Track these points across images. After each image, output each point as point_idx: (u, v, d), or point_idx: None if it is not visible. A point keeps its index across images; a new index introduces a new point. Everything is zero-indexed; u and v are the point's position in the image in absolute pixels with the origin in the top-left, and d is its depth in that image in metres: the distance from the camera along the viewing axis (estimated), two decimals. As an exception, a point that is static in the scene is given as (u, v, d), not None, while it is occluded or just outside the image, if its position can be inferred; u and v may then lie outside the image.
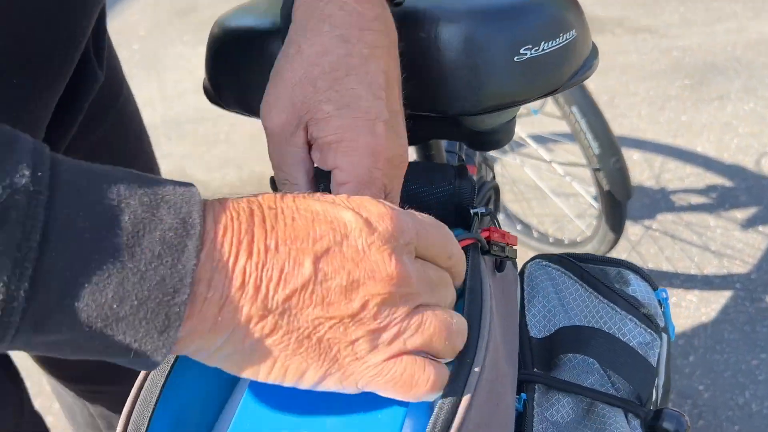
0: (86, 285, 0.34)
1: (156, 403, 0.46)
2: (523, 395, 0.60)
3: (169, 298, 0.36)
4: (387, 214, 0.42)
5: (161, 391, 0.47)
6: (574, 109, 1.61)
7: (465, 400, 0.43)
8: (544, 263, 0.70)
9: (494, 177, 1.35)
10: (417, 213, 0.46)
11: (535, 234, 2.11)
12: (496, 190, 1.18)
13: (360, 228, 0.40)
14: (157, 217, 0.36)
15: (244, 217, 0.39)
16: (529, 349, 0.64)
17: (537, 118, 1.94)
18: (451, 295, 0.47)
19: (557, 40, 0.60)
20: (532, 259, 0.71)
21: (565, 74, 0.62)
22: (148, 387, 0.47)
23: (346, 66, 0.52)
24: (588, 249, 1.94)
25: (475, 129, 0.67)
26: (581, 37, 0.63)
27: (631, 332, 0.64)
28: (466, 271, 0.52)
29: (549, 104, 1.82)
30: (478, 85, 0.60)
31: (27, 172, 0.33)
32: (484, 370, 0.46)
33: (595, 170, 1.69)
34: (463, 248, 0.51)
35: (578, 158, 1.82)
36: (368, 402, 0.48)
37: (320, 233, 0.40)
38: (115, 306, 0.35)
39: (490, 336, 0.48)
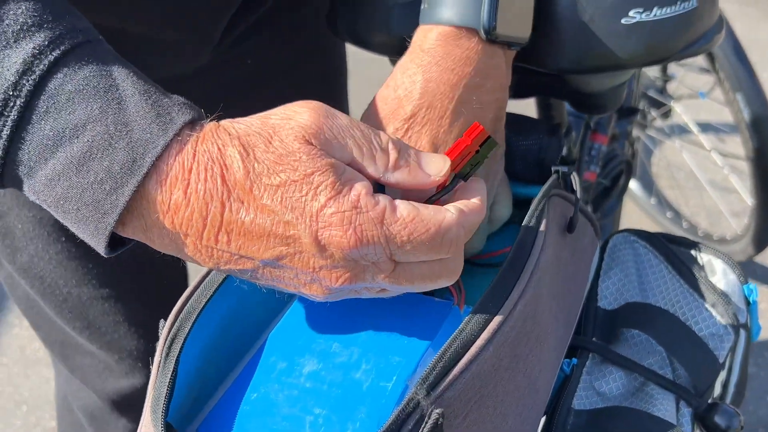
0: (42, 178, 0.43)
1: (203, 308, 0.50)
2: (574, 360, 0.60)
3: (100, 216, 0.43)
4: (348, 245, 0.43)
5: (210, 298, 0.50)
6: (739, 96, 1.51)
7: (479, 342, 0.45)
8: (632, 238, 0.68)
9: (634, 154, 1.30)
10: (405, 214, 0.44)
11: (685, 224, 2.01)
12: (628, 165, 1.15)
13: (312, 253, 0.43)
14: (113, 147, 0.42)
15: (202, 181, 0.43)
16: (593, 318, 0.63)
17: (705, 102, 1.84)
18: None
19: (673, 7, 0.57)
20: (621, 231, 0.69)
21: (678, 45, 0.59)
22: (196, 297, 0.50)
23: None
24: (736, 249, 1.83)
25: (579, 89, 0.66)
26: (703, 8, 0.60)
27: (705, 321, 0.62)
28: (523, 224, 0.53)
29: (717, 89, 1.71)
30: (581, 42, 0.58)
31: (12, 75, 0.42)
32: (509, 319, 0.47)
33: (753, 165, 1.58)
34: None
35: (741, 150, 1.71)
36: (398, 326, 0.50)
37: (271, 245, 0.43)
38: (62, 202, 0.43)
39: (527, 290, 0.49)
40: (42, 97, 0.42)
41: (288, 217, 0.43)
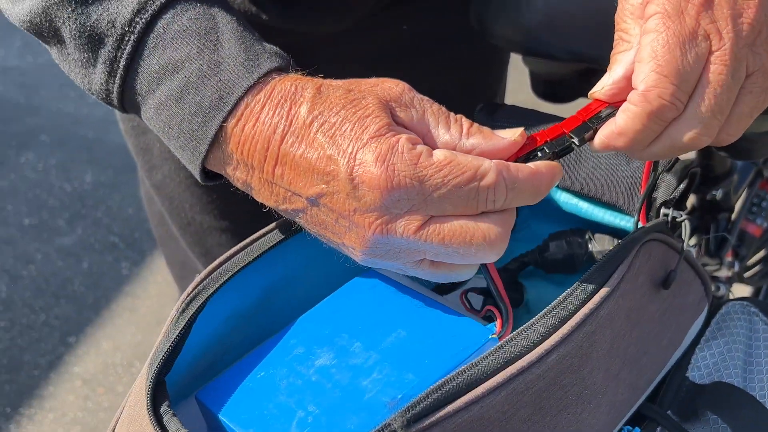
0: (152, 106, 0.48)
1: (236, 273, 0.48)
2: (636, 429, 0.52)
3: (194, 145, 0.47)
4: (379, 184, 0.42)
5: (247, 264, 0.49)
6: None
7: (490, 382, 0.39)
8: (753, 309, 0.59)
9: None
10: (452, 166, 0.42)
11: None
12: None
13: (347, 192, 0.43)
14: (205, 84, 0.46)
15: (270, 115, 0.45)
16: (676, 389, 0.55)
17: None
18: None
19: None
20: (741, 299, 0.60)
21: None
22: (233, 261, 0.49)
23: None
24: None
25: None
26: None
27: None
28: (596, 264, 0.46)
29: None
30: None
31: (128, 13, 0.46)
32: (537, 366, 0.41)
33: None
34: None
35: None
36: (428, 341, 0.46)
37: (314, 181, 0.44)
38: (166, 128, 0.48)
39: (569, 340, 0.43)
40: (152, 34, 0.47)
41: (330, 151, 0.43)
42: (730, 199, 0.82)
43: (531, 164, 0.45)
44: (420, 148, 0.43)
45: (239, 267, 0.49)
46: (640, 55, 0.44)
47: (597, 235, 0.59)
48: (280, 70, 0.47)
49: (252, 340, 0.52)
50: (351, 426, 0.42)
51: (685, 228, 0.51)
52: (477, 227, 0.43)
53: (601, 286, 0.45)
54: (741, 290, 1.27)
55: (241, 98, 0.45)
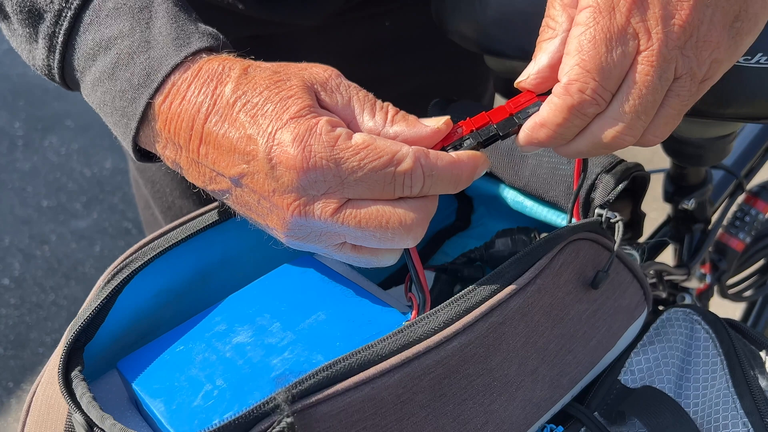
0: (89, 83, 0.49)
1: (167, 249, 0.50)
2: (560, 428, 0.52)
3: (125, 122, 0.48)
4: (295, 165, 0.42)
5: (180, 242, 0.50)
6: None
7: (384, 364, 0.40)
8: (695, 317, 0.58)
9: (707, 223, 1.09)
10: (368, 151, 0.43)
11: None
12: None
13: (265, 172, 0.43)
14: (134, 61, 0.47)
15: (196, 94, 0.45)
16: (605, 391, 0.55)
17: None
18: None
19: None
20: (684, 305, 0.59)
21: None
22: (167, 237, 0.50)
23: None
24: None
25: (673, 133, 0.56)
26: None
27: (734, 437, 0.52)
28: (514, 257, 0.46)
29: None
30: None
31: None
32: (435, 352, 0.42)
33: None
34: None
35: None
36: (343, 325, 0.47)
37: (236, 161, 0.44)
38: (101, 105, 0.49)
39: (474, 328, 0.43)
40: (87, 10, 0.48)
41: (251, 131, 0.43)
42: (705, 210, 0.81)
43: (452, 153, 0.45)
44: (339, 130, 0.43)
45: (170, 243, 0.50)
46: (567, 48, 0.44)
47: (544, 234, 0.59)
48: (211, 50, 0.48)
49: (185, 317, 0.53)
50: (252, 401, 0.43)
51: (618, 229, 0.51)
52: (393, 212, 0.43)
53: (514, 279, 0.45)
54: (726, 306, 1.25)
55: (168, 76, 0.46)
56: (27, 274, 1.97)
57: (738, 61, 0.48)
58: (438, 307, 0.43)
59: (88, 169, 2.31)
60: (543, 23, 0.46)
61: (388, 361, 0.40)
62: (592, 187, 0.54)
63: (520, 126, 0.46)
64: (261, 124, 0.43)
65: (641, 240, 0.89)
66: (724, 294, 0.99)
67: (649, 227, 0.92)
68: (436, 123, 0.46)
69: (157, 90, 0.46)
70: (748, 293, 1.09)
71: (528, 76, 0.46)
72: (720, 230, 0.93)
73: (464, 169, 0.45)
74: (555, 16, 0.45)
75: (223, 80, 0.45)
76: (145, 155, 0.51)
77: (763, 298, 1.19)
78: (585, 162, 0.51)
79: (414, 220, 0.44)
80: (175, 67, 0.46)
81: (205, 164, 0.46)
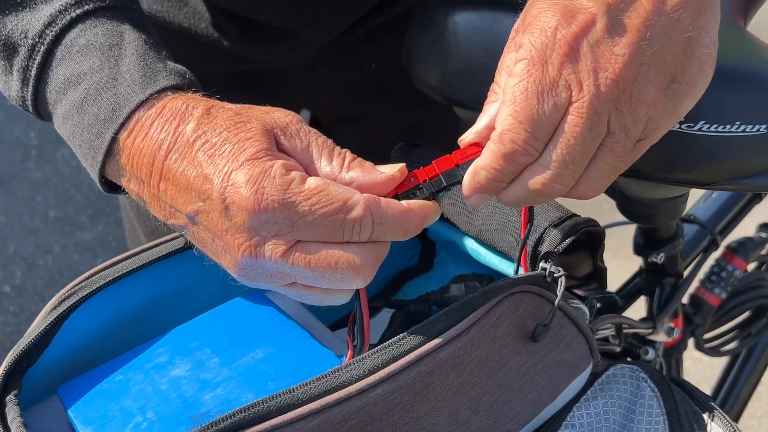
0: (60, 116, 0.51)
1: (119, 278, 0.51)
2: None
3: (92, 154, 0.50)
4: (247, 206, 0.43)
5: (133, 271, 0.52)
6: None
7: (299, 410, 0.41)
8: (642, 375, 0.59)
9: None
10: (320, 194, 0.44)
11: None
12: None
13: (219, 212, 0.44)
14: (102, 97, 0.49)
15: (158, 131, 0.47)
16: (545, 444, 0.55)
17: None
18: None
19: (725, 126, 0.48)
20: (633, 363, 0.60)
21: (723, 172, 0.49)
22: (120, 266, 0.52)
23: None
24: None
25: (621, 189, 0.57)
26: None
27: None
28: (450, 306, 0.47)
29: None
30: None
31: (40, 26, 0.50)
32: (352, 401, 0.42)
33: None
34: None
35: None
36: (279, 365, 0.48)
37: (192, 199, 0.46)
38: (71, 138, 0.51)
39: (397, 378, 0.44)
40: (60, 46, 0.50)
41: (207, 170, 0.45)
42: (676, 264, 0.81)
43: (404, 202, 0.46)
44: (294, 174, 0.44)
45: (121, 273, 0.51)
46: (504, 98, 0.45)
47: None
48: (178, 88, 0.49)
49: (135, 345, 0.54)
50: None
51: (561, 284, 0.52)
52: (342, 254, 0.45)
53: (446, 330, 0.46)
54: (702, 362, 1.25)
55: (132, 112, 0.48)
56: (28, 282, 2.00)
57: (681, 128, 0.49)
58: (365, 354, 0.44)
59: (97, 182, 2.34)
60: (490, 89, 0.48)
61: (308, 406, 0.41)
62: (540, 240, 0.54)
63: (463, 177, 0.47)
64: (218, 164, 0.45)
65: (615, 292, 0.89)
66: (699, 348, 0.99)
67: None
68: (391, 170, 0.47)
69: (122, 125, 0.48)
70: (729, 346, 1.09)
71: (467, 136, 0.47)
72: (697, 284, 0.94)
73: (414, 218, 0.46)
74: (500, 81, 0.47)
75: (186, 119, 0.47)
76: (113, 186, 0.52)
77: (746, 350, 1.18)
78: (531, 211, 0.52)
79: (363, 263, 0.45)
80: (141, 104, 0.48)
81: (164, 200, 0.48)
